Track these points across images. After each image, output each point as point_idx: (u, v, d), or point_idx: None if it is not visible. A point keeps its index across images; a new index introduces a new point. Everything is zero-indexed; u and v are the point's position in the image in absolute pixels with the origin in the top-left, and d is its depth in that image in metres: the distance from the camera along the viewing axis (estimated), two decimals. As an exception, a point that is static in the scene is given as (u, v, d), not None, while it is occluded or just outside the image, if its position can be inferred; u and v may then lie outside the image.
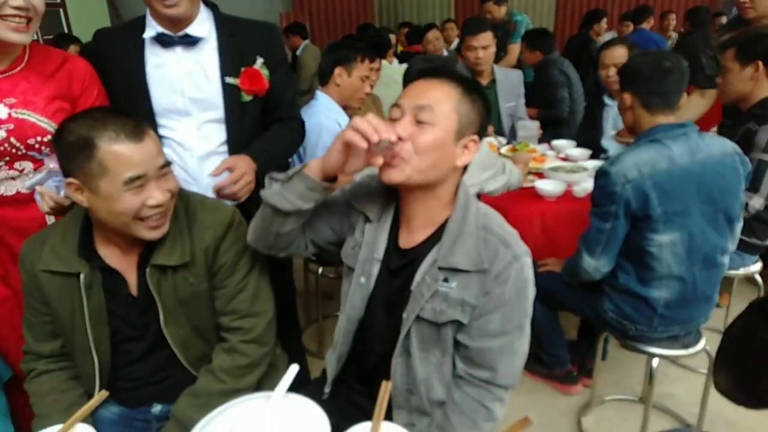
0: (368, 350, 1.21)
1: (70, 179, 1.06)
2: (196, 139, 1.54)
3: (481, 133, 1.10)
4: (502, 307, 1.05)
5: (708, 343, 1.80)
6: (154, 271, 1.16)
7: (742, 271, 2.16)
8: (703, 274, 1.65)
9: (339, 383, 1.27)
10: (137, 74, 1.48)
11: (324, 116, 2.26)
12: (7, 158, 1.36)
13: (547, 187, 2.19)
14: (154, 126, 1.51)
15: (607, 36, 5.01)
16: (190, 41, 1.48)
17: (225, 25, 1.52)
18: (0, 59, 1.34)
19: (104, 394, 1.11)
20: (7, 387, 1.48)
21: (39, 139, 1.37)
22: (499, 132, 2.99)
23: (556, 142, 2.88)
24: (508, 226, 1.11)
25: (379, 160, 1.00)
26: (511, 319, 1.07)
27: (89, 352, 1.18)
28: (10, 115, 1.33)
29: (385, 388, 0.98)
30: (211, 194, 1.52)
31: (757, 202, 1.94)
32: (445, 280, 1.06)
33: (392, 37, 4.76)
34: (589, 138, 2.84)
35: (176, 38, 1.46)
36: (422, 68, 1.12)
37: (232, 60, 1.50)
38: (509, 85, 3.04)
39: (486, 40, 2.85)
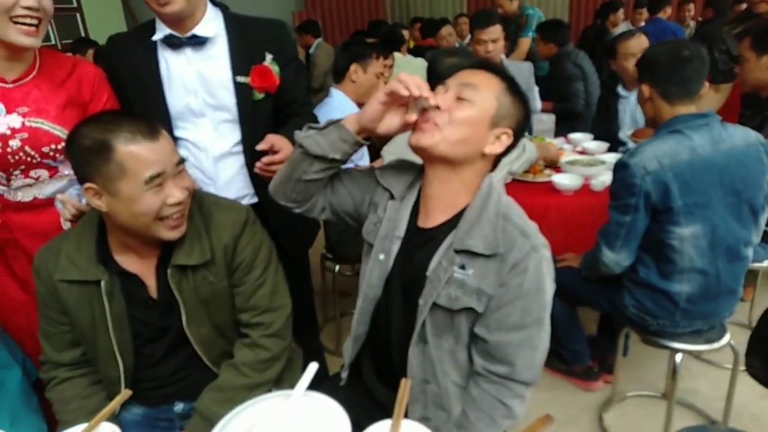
0: (385, 336, 1.20)
1: (88, 184, 1.06)
2: (211, 140, 1.55)
3: (518, 133, 1.12)
4: (521, 299, 1.04)
5: (733, 337, 1.77)
6: (175, 272, 1.17)
7: (766, 263, 2.11)
8: (727, 267, 1.62)
9: (356, 372, 1.28)
10: (151, 77, 1.49)
11: (339, 112, 2.26)
12: (23, 167, 1.37)
13: (564, 181, 2.17)
14: (170, 128, 1.52)
15: (622, 27, 4.93)
16: (198, 41, 1.48)
17: (234, 25, 1.52)
18: (12, 66, 1.34)
19: (127, 392, 1.12)
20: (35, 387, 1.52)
21: (53, 146, 1.37)
22: None
23: (572, 135, 2.84)
24: (528, 219, 1.11)
25: (413, 117, 1.06)
26: (530, 312, 1.05)
27: (113, 356, 1.19)
28: (23, 124, 1.34)
29: (405, 386, 0.98)
30: (227, 193, 1.53)
31: None
32: (462, 267, 1.05)
33: (405, 33, 4.76)
34: (606, 130, 2.81)
35: (184, 39, 1.47)
36: (474, 62, 1.16)
37: (242, 59, 1.50)
38: (520, 78, 2.99)
39: (495, 33, 2.82)
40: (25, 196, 1.42)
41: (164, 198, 1.07)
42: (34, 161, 1.38)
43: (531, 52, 4.23)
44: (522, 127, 1.13)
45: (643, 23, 4.96)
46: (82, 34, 5.65)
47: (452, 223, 1.10)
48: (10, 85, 1.34)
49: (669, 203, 1.54)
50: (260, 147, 1.38)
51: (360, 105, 2.37)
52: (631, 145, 2.60)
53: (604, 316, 2.25)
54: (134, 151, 1.03)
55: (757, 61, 2.01)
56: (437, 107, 1.05)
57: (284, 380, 1.32)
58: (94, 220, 1.19)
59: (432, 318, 1.10)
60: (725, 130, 1.59)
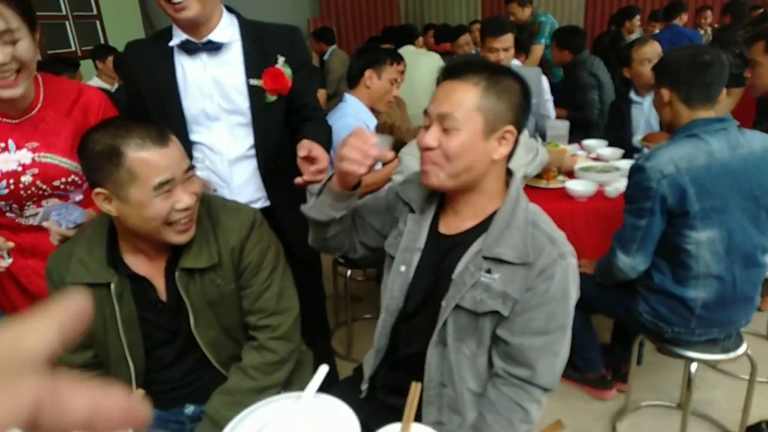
0: (405, 342, 1.21)
1: (98, 189, 1.07)
2: (226, 143, 1.57)
3: (521, 120, 1.09)
4: (546, 305, 1.04)
5: (750, 347, 1.73)
6: (183, 275, 1.18)
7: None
8: (744, 273, 1.60)
9: (373, 380, 1.28)
10: (168, 82, 1.52)
11: (353, 117, 2.28)
12: (35, 198, 1.39)
13: (578, 187, 2.15)
14: (186, 132, 1.55)
15: (636, 34, 4.90)
16: (214, 47, 1.50)
17: (248, 30, 1.55)
18: (14, 104, 1.31)
19: (140, 392, 1.13)
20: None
21: (64, 180, 1.38)
22: None
23: (586, 142, 2.82)
24: (555, 226, 1.11)
25: (363, 171, 1.07)
26: (555, 318, 1.06)
27: (124, 359, 1.20)
28: (33, 159, 1.33)
29: (415, 389, 0.98)
30: (241, 196, 1.54)
31: None
32: (488, 271, 1.05)
33: (419, 41, 4.79)
34: (619, 137, 2.79)
35: (200, 45, 1.49)
36: (446, 66, 1.12)
37: (255, 62, 1.53)
38: (529, 83, 3.00)
39: (508, 41, 2.82)
40: (36, 220, 1.43)
41: (173, 203, 1.09)
42: (46, 193, 1.39)
43: (545, 58, 4.22)
44: (521, 112, 1.08)
45: (656, 32, 4.94)
46: (102, 41, 5.76)
47: (480, 228, 1.10)
48: (17, 121, 1.33)
49: (685, 207, 1.52)
50: (301, 155, 1.39)
51: (373, 111, 2.39)
52: (636, 143, 2.58)
53: (617, 324, 2.22)
54: (144, 157, 1.04)
55: None
56: (429, 148, 1.05)
57: (293, 383, 1.32)
58: (104, 223, 1.20)
59: (455, 320, 1.09)
60: (743, 135, 1.57)
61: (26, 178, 1.34)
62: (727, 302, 1.62)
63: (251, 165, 1.61)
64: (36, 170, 1.35)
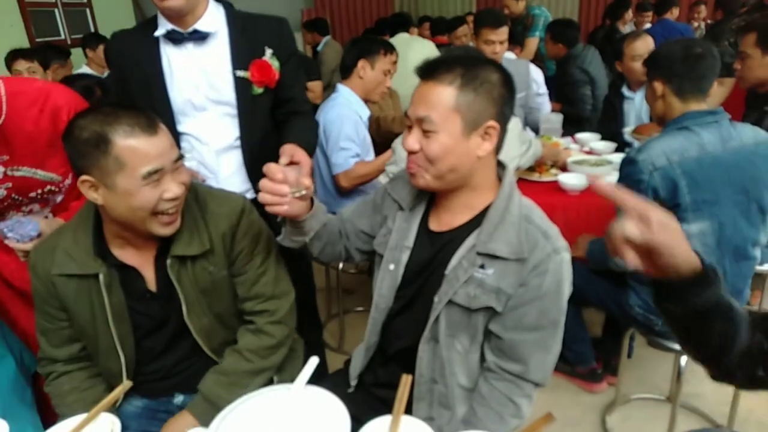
0: (396, 337, 1.20)
1: (84, 177, 1.05)
2: (212, 134, 1.56)
3: (505, 112, 1.05)
4: (539, 300, 1.03)
5: (739, 340, 1.74)
6: (175, 263, 1.16)
7: (775, 266, 2.09)
8: (734, 266, 1.60)
9: (362, 377, 1.27)
10: (153, 72, 1.50)
11: (345, 108, 2.26)
12: (13, 209, 1.37)
13: (571, 180, 2.15)
14: (173, 122, 1.53)
15: (627, 27, 4.89)
16: (200, 36, 1.49)
17: (235, 20, 1.54)
18: None
19: (128, 383, 1.12)
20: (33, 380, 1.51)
21: (39, 191, 1.36)
22: None
23: (580, 136, 2.83)
24: (549, 221, 1.09)
25: (286, 205, 1.06)
26: (547, 313, 1.05)
27: (114, 350, 1.19)
28: (5, 173, 1.30)
29: (405, 382, 0.97)
30: (229, 187, 1.52)
31: None
32: (482, 266, 1.04)
33: (413, 30, 4.77)
34: (611, 131, 2.79)
35: (186, 34, 1.48)
36: (420, 66, 1.07)
37: (242, 54, 1.51)
38: (518, 76, 2.98)
39: (505, 34, 2.81)
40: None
41: (161, 192, 1.07)
42: (24, 203, 1.37)
43: (539, 52, 4.21)
44: (504, 103, 1.04)
45: (648, 25, 4.92)
46: (92, 29, 5.69)
47: (472, 224, 1.09)
48: None
49: (677, 199, 1.52)
50: (283, 162, 1.38)
51: (366, 101, 2.37)
52: (628, 138, 2.58)
53: (608, 317, 2.23)
54: (133, 145, 1.02)
55: (762, 58, 1.96)
56: (413, 152, 1.05)
57: (285, 369, 1.32)
58: (90, 213, 1.18)
59: (447, 316, 1.08)
60: (734, 128, 1.57)
61: (0, 192, 1.30)
62: (718, 295, 1.63)
63: (238, 155, 1.60)
64: (9, 184, 1.32)
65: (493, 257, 1.03)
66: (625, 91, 2.83)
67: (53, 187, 1.37)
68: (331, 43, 5.37)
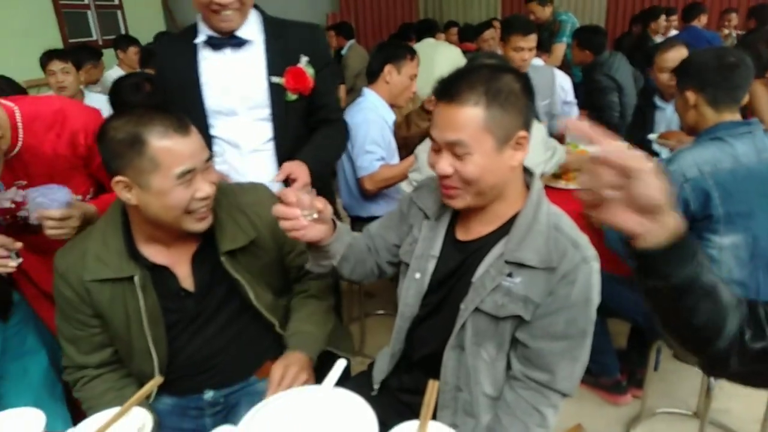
0: (420, 344, 1.20)
1: (119, 177, 1.07)
2: (244, 137, 1.59)
3: (530, 118, 1.04)
4: (567, 309, 1.02)
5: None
6: (228, 259, 1.20)
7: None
8: (768, 280, 1.56)
9: (387, 380, 1.27)
10: (190, 77, 1.54)
11: (371, 112, 2.28)
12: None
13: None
14: (206, 126, 1.57)
15: (659, 37, 4.80)
16: (238, 43, 1.53)
17: (272, 27, 1.57)
18: None
19: (159, 379, 1.13)
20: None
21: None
22: None
23: (607, 144, 2.78)
24: (578, 229, 1.08)
25: (304, 222, 1.05)
26: (576, 323, 1.03)
27: (148, 351, 1.20)
28: (24, 197, 1.30)
29: (432, 387, 0.97)
30: None
31: None
32: (510, 275, 1.03)
33: (440, 36, 4.78)
34: (640, 139, 2.74)
35: (225, 40, 1.52)
36: (438, 87, 1.04)
37: (277, 60, 1.54)
38: (543, 82, 2.97)
39: (534, 41, 2.79)
40: (32, 219, 1.40)
41: (194, 192, 1.09)
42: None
43: (565, 58, 4.17)
44: (529, 111, 1.03)
45: (674, 31, 4.82)
46: (123, 31, 5.82)
47: (500, 232, 1.08)
48: None
49: (709, 211, 1.49)
50: (278, 178, 1.44)
51: (392, 106, 2.38)
52: (656, 147, 2.53)
53: (634, 328, 2.19)
54: (167, 145, 1.05)
55: None
56: (447, 176, 1.03)
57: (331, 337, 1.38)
58: (117, 215, 1.19)
59: (474, 324, 1.08)
60: (770, 139, 1.54)
61: (22, 213, 1.32)
62: (750, 310, 1.59)
63: (268, 158, 1.62)
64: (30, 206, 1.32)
65: (521, 266, 1.02)
66: (657, 100, 2.77)
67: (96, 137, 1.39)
68: (355, 47, 5.40)
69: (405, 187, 2.17)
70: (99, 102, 2.86)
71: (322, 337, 1.32)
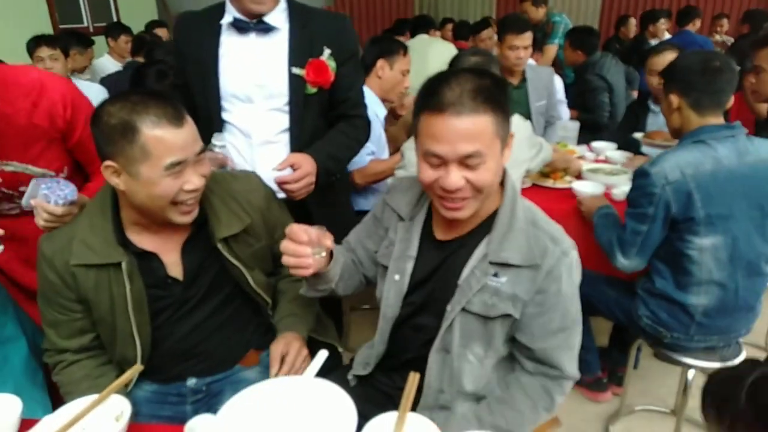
0: (403, 348, 1.20)
1: (108, 162, 1.07)
2: (256, 126, 1.56)
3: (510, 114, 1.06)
4: (561, 304, 1.06)
5: (748, 357, 1.73)
6: (224, 246, 1.21)
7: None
8: (746, 281, 1.59)
9: (367, 378, 1.28)
10: (210, 58, 1.52)
11: (363, 107, 2.27)
12: (5, 201, 1.36)
13: (585, 188, 2.14)
14: (219, 109, 1.55)
15: (655, 41, 4.84)
16: (265, 29, 1.50)
17: (298, 15, 1.54)
18: None
19: (139, 367, 1.13)
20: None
21: None
22: None
23: (596, 144, 2.81)
24: (552, 221, 1.11)
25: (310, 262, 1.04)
26: (569, 313, 1.08)
27: (131, 337, 1.20)
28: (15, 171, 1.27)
29: (413, 380, 0.98)
30: (266, 180, 1.53)
31: None
32: (495, 275, 1.05)
33: (435, 33, 4.78)
34: (630, 142, 2.77)
35: (252, 24, 1.50)
36: (436, 101, 0.98)
37: (300, 51, 1.51)
38: (540, 83, 2.98)
39: (528, 40, 2.79)
40: (12, 210, 1.41)
41: (182, 184, 1.09)
42: (15, 196, 1.36)
43: (557, 59, 4.19)
44: (509, 106, 1.04)
45: (667, 35, 4.85)
46: (114, 18, 5.76)
47: (480, 230, 1.09)
48: None
49: (690, 213, 1.52)
50: (280, 167, 1.42)
51: (384, 101, 2.38)
52: (655, 153, 2.55)
53: (616, 327, 2.22)
54: (159, 135, 1.04)
55: None
56: (457, 190, 1.00)
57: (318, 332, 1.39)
58: (106, 201, 1.19)
59: (462, 325, 1.09)
60: (751, 142, 1.56)
61: (9, 191, 1.29)
62: (728, 310, 1.62)
63: (279, 150, 1.58)
64: (0, 179, 1.31)
65: (506, 265, 1.04)
66: (651, 104, 2.79)
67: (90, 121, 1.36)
68: (350, 41, 5.38)
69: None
70: (87, 90, 2.83)
71: (312, 318, 1.37)
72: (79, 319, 1.20)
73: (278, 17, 1.51)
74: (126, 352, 1.22)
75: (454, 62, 2.15)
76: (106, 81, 3.37)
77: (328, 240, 1.04)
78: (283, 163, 1.43)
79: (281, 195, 1.46)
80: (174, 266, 1.22)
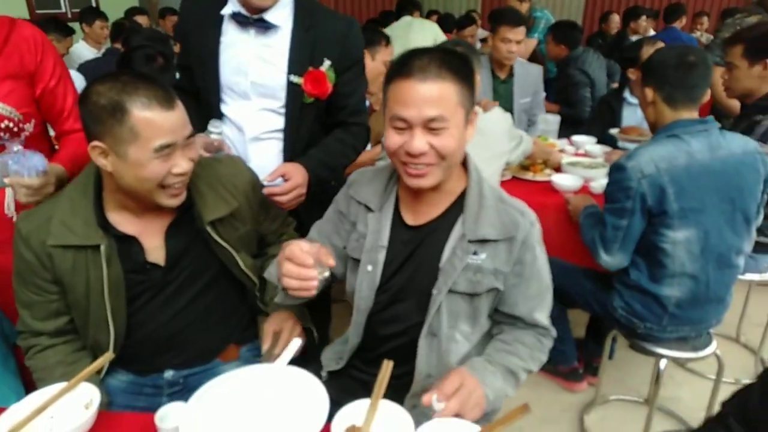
0: (378, 339, 1.20)
1: (96, 143, 1.05)
2: (249, 122, 1.53)
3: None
4: (537, 271, 1.13)
5: (719, 348, 1.77)
6: (213, 229, 1.21)
7: (758, 276, 2.12)
8: (717, 273, 1.62)
9: (340, 370, 1.27)
10: (211, 46, 1.49)
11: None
12: None
13: (564, 181, 2.16)
14: (218, 101, 1.53)
15: (636, 37, 4.90)
16: (265, 27, 1.46)
17: (303, 16, 1.48)
18: None
19: (110, 355, 1.12)
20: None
21: None
22: None
23: (576, 138, 2.84)
24: (514, 197, 1.16)
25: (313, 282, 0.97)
26: (543, 277, 1.15)
27: (105, 322, 1.18)
28: None
29: (386, 367, 0.98)
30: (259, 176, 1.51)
31: None
32: (475, 253, 1.08)
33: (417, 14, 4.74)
34: (606, 138, 2.80)
35: (251, 19, 1.45)
36: (404, 65, 1.03)
37: (300, 56, 1.47)
38: (528, 80, 2.99)
39: (522, 33, 2.79)
40: None
41: (170, 167, 1.08)
42: None
43: (540, 53, 4.22)
44: (473, 82, 1.08)
45: (651, 32, 4.93)
46: (93, 4, 5.63)
47: (452, 211, 1.11)
48: None
49: (664, 207, 1.54)
50: (270, 178, 1.41)
51: (366, 93, 2.37)
52: (620, 143, 2.59)
53: (592, 319, 2.26)
54: (149, 117, 1.03)
55: (748, 69, 2.01)
56: (422, 154, 1.01)
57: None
58: (89, 182, 1.16)
59: (449, 306, 1.10)
60: (723, 137, 1.59)
61: None
62: (700, 301, 1.65)
63: (272, 147, 1.57)
64: None
65: (484, 242, 1.08)
66: (627, 95, 2.82)
67: (11, 124, 1.29)
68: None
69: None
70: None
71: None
72: (54, 301, 1.18)
73: (281, 14, 1.46)
74: (99, 337, 1.20)
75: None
76: (83, 68, 3.29)
77: (330, 259, 0.97)
78: (274, 173, 1.41)
79: None
80: (156, 251, 1.20)
